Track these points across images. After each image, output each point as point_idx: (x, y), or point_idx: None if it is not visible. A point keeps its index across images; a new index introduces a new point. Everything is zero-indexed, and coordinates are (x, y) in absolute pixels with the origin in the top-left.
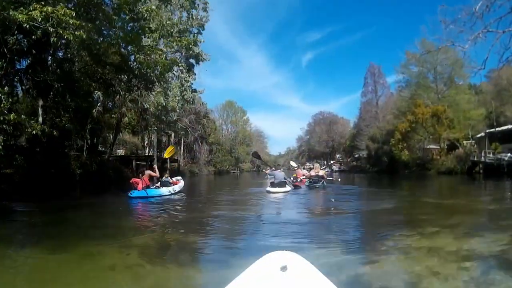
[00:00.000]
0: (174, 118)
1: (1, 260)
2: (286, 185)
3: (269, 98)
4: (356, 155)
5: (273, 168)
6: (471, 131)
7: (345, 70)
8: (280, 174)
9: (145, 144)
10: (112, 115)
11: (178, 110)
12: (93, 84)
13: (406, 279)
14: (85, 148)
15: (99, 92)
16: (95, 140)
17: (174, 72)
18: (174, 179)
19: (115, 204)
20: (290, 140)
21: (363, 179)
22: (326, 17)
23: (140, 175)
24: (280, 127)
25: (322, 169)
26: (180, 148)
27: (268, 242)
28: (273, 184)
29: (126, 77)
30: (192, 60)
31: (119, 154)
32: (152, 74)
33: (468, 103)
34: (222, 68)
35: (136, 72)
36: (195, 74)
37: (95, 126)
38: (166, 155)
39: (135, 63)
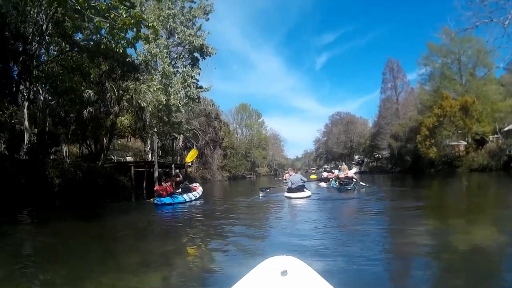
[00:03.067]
0: (179, 120)
1: None
2: (305, 189)
3: (284, 102)
4: (376, 155)
5: (290, 173)
6: (498, 124)
7: (361, 71)
8: (296, 177)
9: (148, 148)
10: (111, 117)
11: (182, 110)
12: (74, 77)
13: None
14: (67, 154)
15: (90, 91)
16: (98, 146)
17: (177, 67)
18: (193, 185)
19: (83, 218)
20: (307, 143)
21: (390, 181)
22: (339, 18)
23: (163, 183)
24: (297, 130)
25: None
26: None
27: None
28: (290, 190)
29: (105, 62)
30: (197, 54)
31: (127, 160)
32: (120, 46)
33: (496, 94)
34: (236, 73)
35: (102, 47)
36: (200, 69)
37: (85, 128)
38: (188, 159)
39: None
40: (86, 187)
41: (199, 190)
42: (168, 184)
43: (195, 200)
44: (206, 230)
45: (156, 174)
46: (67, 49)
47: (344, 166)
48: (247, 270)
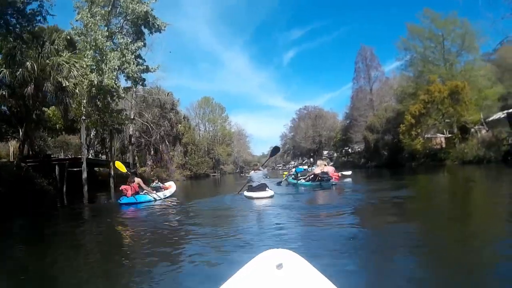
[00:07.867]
0: (119, 107)
1: None
2: (267, 188)
3: (253, 99)
4: (348, 150)
5: (256, 170)
6: (483, 113)
7: (329, 66)
8: (257, 175)
9: (86, 143)
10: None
11: (122, 94)
12: None
13: None
14: None
15: (4, 70)
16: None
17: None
18: (166, 184)
19: None
20: (275, 140)
21: (372, 178)
22: (308, 14)
23: (129, 183)
24: (265, 127)
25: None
26: (150, 150)
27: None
28: (251, 188)
29: None
30: (143, 28)
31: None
32: None
33: (485, 80)
34: (205, 71)
35: None
36: (144, 44)
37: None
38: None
39: None
40: None
41: (171, 189)
42: (133, 183)
43: (165, 199)
44: (182, 230)
45: (84, 175)
46: None
47: (321, 161)
48: (238, 264)
